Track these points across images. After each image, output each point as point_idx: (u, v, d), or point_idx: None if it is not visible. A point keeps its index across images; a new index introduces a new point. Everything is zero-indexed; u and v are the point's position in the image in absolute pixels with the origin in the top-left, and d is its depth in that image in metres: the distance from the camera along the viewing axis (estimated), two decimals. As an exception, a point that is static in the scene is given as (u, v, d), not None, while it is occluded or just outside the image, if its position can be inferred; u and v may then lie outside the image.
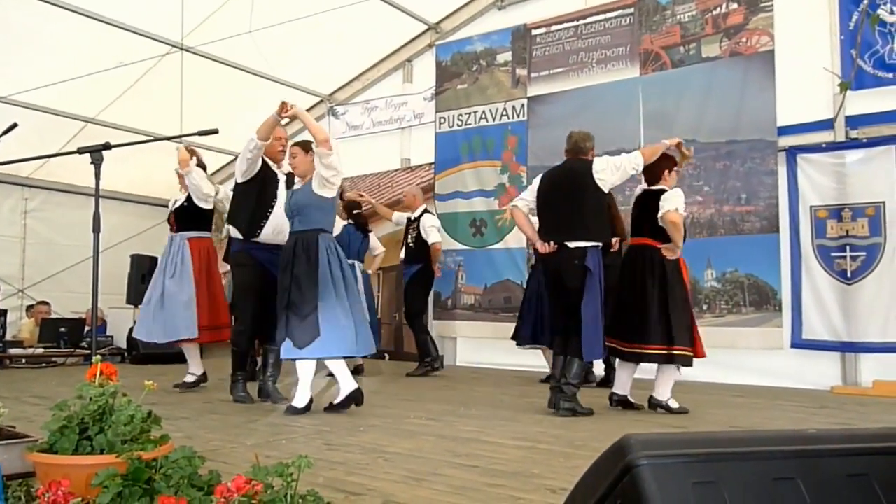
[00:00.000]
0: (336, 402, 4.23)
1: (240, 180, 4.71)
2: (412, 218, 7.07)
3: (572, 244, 4.30)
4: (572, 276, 4.28)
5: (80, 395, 2.13)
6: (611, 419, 4.22)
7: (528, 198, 4.60)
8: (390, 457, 2.94)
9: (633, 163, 4.50)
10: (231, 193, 5.00)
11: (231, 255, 4.92)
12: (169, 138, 4.20)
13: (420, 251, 6.88)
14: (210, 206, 5.47)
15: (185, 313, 5.14)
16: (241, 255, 4.72)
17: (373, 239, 7.21)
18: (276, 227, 4.64)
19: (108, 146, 2.58)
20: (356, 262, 6.65)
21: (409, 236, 6.97)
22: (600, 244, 4.38)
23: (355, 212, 7.02)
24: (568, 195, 4.40)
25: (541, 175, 4.74)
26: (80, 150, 2.57)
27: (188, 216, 5.43)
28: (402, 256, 7.07)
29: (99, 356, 2.20)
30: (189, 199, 5.39)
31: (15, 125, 3.15)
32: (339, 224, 6.15)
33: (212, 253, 5.51)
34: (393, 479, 2.52)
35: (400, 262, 7.29)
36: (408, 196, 7.31)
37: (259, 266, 4.64)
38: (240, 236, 4.69)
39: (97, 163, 2.54)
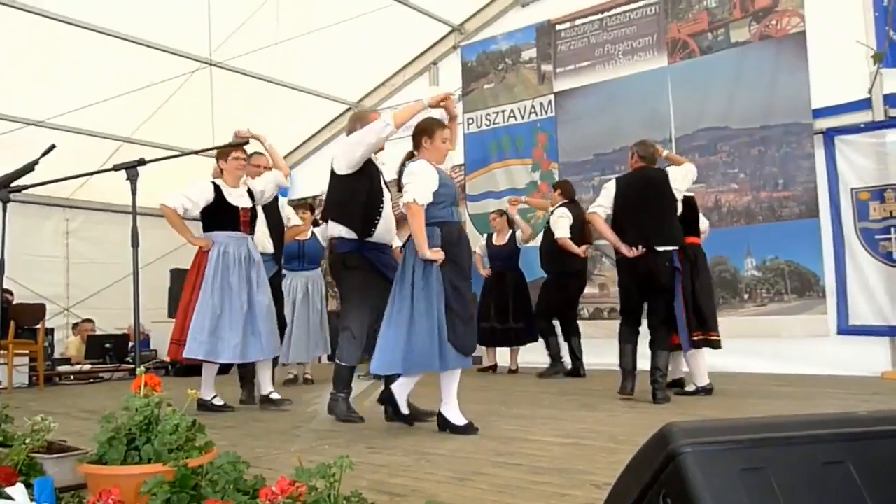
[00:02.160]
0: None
1: (344, 172, 4.08)
2: None
3: (661, 248, 4.70)
4: (665, 276, 4.70)
5: (127, 406, 2.17)
6: (652, 413, 4.17)
7: (605, 204, 4.89)
8: (433, 458, 2.94)
9: (693, 173, 5.09)
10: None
11: (338, 257, 4.15)
12: (198, 151, 4.21)
13: None
14: None
15: (274, 327, 4.74)
16: (352, 258, 4.07)
17: None
18: (387, 225, 4.19)
19: (142, 162, 2.63)
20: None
21: None
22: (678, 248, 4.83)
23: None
24: (652, 203, 4.78)
25: (614, 182, 4.97)
26: (116, 168, 2.63)
27: (254, 219, 4.91)
28: None
29: (143, 368, 2.24)
30: (252, 199, 4.86)
31: (53, 147, 3.22)
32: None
33: None
34: (437, 480, 2.52)
35: None
36: None
37: (372, 269, 4.09)
38: (352, 236, 4.07)
39: (133, 178, 2.59)
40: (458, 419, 3.60)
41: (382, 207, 4.13)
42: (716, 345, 4.93)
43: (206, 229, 4.75)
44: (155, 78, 7.73)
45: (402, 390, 3.72)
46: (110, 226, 9.47)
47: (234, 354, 4.51)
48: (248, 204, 4.79)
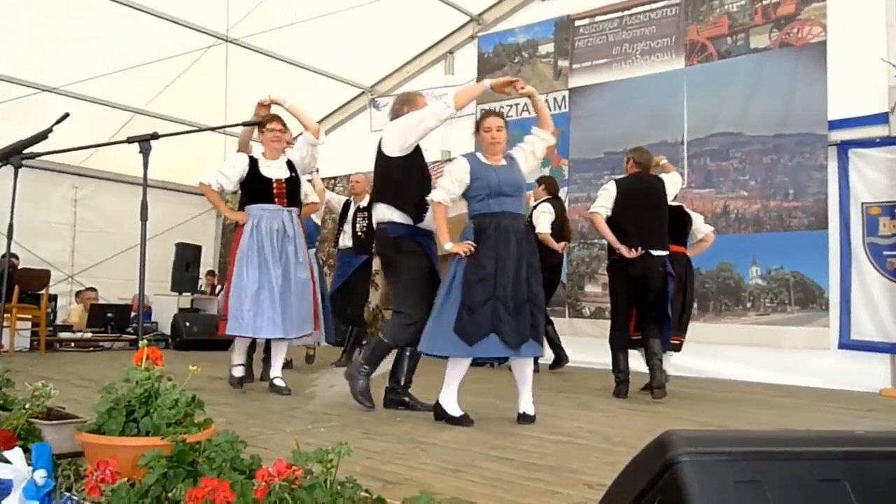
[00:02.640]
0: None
1: (395, 154, 3.95)
2: (361, 206, 6.63)
3: (656, 252, 4.86)
4: (658, 280, 4.87)
5: (127, 378, 2.18)
6: (648, 415, 4.17)
7: (608, 205, 4.99)
8: (427, 447, 2.95)
9: (679, 184, 5.44)
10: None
11: (391, 242, 4.01)
12: (213, 129, 4.20)
13: (369, 241, 6.36)
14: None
15: (311, 303, 4.64)
16: (407, 242, 3.96)
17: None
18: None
19: (155, 136, 2.63)
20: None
21: (358, 225, 6.60)
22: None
23: None
24: (651, 208, 4.97)
25: (613, 183, 5.09)
26: (130, 140, 2.63)
27: (295, 189, 4.73)
28: (348, 244, 6.65)
29: (145, 341, 2.25)
30: (293, 169, 4.69)
31: (67, 115, 3.23)
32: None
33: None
34: (430, 470, 2.53)
35: (336, 249, 6.98)
36: (361, 182, 6.79)
37: (424, 254, 4.00)
38: (405, 220, 3.96)
39: (145, 152, 2.60)
40: (454, 410, 3.61)
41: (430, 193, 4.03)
42: (678, 348, 5.31)
43: (244, 204, 4.70)
44: (171, 51, 7.73)
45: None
46: (118, 196, 9.50)
47: (274, 330, 4.46)
48: (285, 175, 4.63)
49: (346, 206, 6.82)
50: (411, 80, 9.57)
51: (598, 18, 7.91)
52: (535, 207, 6.59)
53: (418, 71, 9.51)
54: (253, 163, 4.63)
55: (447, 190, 3.67)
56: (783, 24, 6.71)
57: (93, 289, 9.13)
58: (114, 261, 9.49)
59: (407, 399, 4.06)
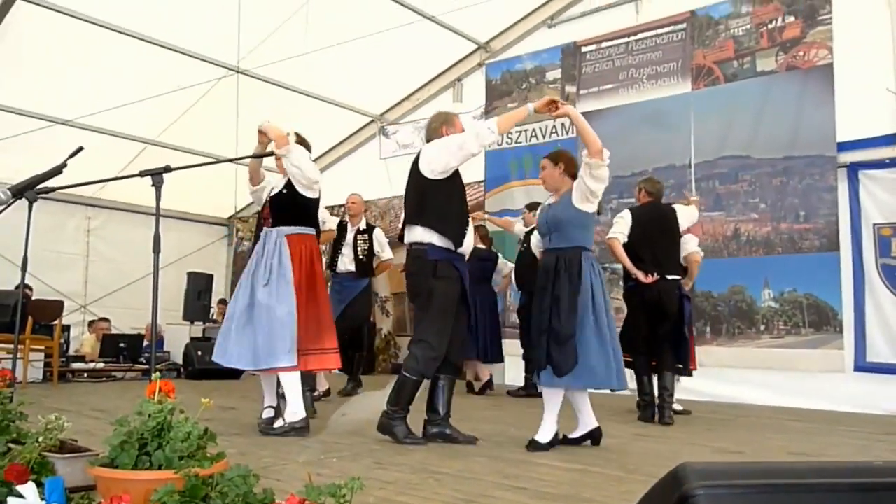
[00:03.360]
0: (572, 436, 3.92)
1: (435, 176, 3.83)
2: (361, 229, 6.53)
3: (671, 277, 5.03)
4: (673, 303, 5.04)
5: (140, 411, 2.19)
6: (663, 442, 4.13)
7: (625, 231, 5.10)
8: (440, 477, 2.93)
9: (695, 217, 5.59)
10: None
11: (429, 264, 3.84)
12: (222, 161, 4.22)
13: (370, 265, 6.51)
14: (316, 196, 4.33)
15: (282, 332, 3.96)
16: (446, 267, 3.82)
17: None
18: (470, 237, 4.03)
19: (168, 169, 2.67)
20: None
21: (359, 248, 6.43)
22: None
23: None
24: (665, 234, 5.13)
25: (629, 211, 5.22)
26: (142, 173, 2.66)
27: (288, 206, 4.24)
28: (349, 268, 6.37)
29: (158, 373, 2.25)
30: (289, 185, 4.23)
31: (81, 149, 3.28)
32: None
33: (316, 255, 4.27)
34: (443, 500, 2.51)
35: (332, 273, 6.52)
36: (357, 203, 6.66)
37: (459, 281, 3.88)
38: (444, 244, 3.83)
39: (158, 185, 2.63)
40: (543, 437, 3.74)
41: (468, 218, 4.00)
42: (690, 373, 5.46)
43: None
44: (183, 83, 7.84)
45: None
46: (131, 226, 9.59)
47: (238, 360, 4.07)
48: (273, 192, 4.32)
49: (342, 227, 6.52)
50: (420, 107, 9.67)
51: (604, 44, 7.98)
52: (528, 232, 6.49)
53: (427, 99, 9.60)
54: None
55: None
56: (789, 48, 6.74)
57: (105, 319, 9.17)
58: (126, 290, 9.56)
59: (448, 431, 3.87)
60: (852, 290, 6.20)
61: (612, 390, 3.83)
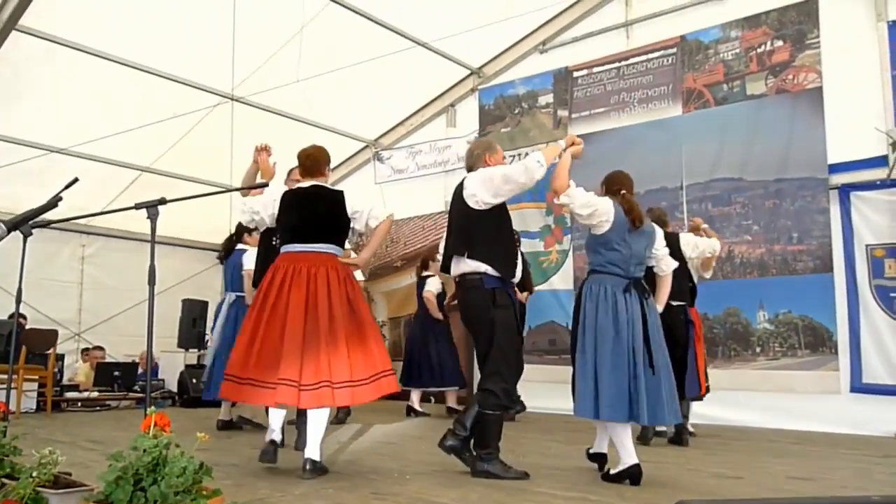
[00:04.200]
0: (614, 471, 3.68)
1: (482, 207, 3.78)
2: None
3: (675, 303, 4.94)
4: (680, 328, 5.12)
5: (135, 446, 2.17)
6: (661, 467, 4.11)
7: None
8: (437, 507, 2.91)
9: (707, 248, 5.67)
10: None
11: (488, 294, 3.76)
12: (217, 192, 4.20)
13: None
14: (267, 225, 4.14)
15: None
16: (502, 295, 3.78)
17: None
18: (520, 265, 3.97)
19: (163, 201, 2.67)
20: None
21: None
22: None
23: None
24: None
25: None
26: (138, 206, 2.67)
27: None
28: None
29: (153, 408, 2.24)
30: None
31: (76, 180, 3.29)
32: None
33: (278, 276, 3.83)
34: (440, 532, 2.49)
35: None
36: None
37: (513, 308, 3.85)
38: (496, 273, 3.78)
39: (153, 217, 2.63)
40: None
41: (517, 247, 3.93)
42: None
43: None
44: (177, 110, 7.87)
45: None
46: (126, 253, 9.56)
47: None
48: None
49: None
50: (414, 132, 9.73)
51: (595, 69, 8.06)
52: None
53: (421, 124, 9.66)
54: None
55: None
56: (778, 71, 6.82)
57: (100, 347, 9.12)
58: (121, 318, 9.50)
59: (467, 455, 3.75)
60: (847, 311, 6.22)
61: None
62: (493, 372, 3.69)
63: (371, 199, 3.94)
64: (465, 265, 3.80)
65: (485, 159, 3.91)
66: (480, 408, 3.68)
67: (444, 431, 3.78)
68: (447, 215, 4.11)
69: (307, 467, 3.53)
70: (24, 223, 2.62)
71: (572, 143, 3.88)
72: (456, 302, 4.16)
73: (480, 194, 3.77)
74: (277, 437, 3.84)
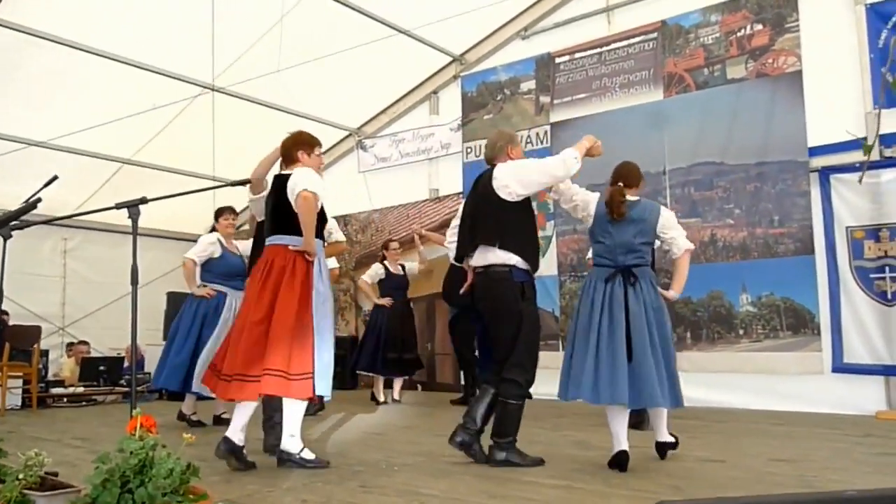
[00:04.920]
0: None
1: (513, 199, 3.84)
2: None
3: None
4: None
5: (122, 448, 2.18)
6: (647, 453, 4.16)
7: None
8: (425, 499, 2.94)
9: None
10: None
11: (517, 287, 3.81)
12: (200, 190, 4.14)
13: None
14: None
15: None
16: (529, 288, 3.87)
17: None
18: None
19: (144, 200, 2.66)
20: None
21: None
22: None
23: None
24: None
25: None
26: (119, 206, 2.65)
27: (274, 215, 3.92)
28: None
29: (139, 409, 2.25)
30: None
31: (55, 178, 3.27)
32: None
33: (277, 266, 3.71)
34: (428, 524, 2.52)
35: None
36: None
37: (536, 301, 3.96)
38: (525, 266, 3.84)
39: (134, 217, 2.62)
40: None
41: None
42: None
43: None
44: (158, 101, 7.79)
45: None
46: (108, 246, 9.50)
47: None
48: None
49: None
50: (397, 120, 9.69)
51: (577, 55, 8.05)
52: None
53: (404, 112, 9.62)
54: None
55: None
56: (758, 55, 6.85)
57: (84, 342, 9.06)
58: (105, 311, 9.45)
59: (477, 448, 3.79)
60: (828, 292, 6.29)
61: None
62: (518, 363, 3.75)
63: (304, 175, 3.75)
64: (493, 256, 3.82)
65: (507, 152, 3.95)
66: (503, 397, 3.74)
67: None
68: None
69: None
70: (4, 226, 2.60)
71: (594, 144, 3.98)
72: (464, 291, 4.13)
73: (513, 186, 3.82)
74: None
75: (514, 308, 3.77)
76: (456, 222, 4.36)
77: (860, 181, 6.13)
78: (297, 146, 3.96)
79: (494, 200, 3.84)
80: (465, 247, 4.01)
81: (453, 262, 5.16)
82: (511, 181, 3.83)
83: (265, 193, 4.09)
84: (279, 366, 3.51)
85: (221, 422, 5.40)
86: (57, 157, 8.18)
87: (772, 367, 6.47)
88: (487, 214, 3.87)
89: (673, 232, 3.86)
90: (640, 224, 3.80)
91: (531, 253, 3.86)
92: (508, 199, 3.82)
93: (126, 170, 9.02)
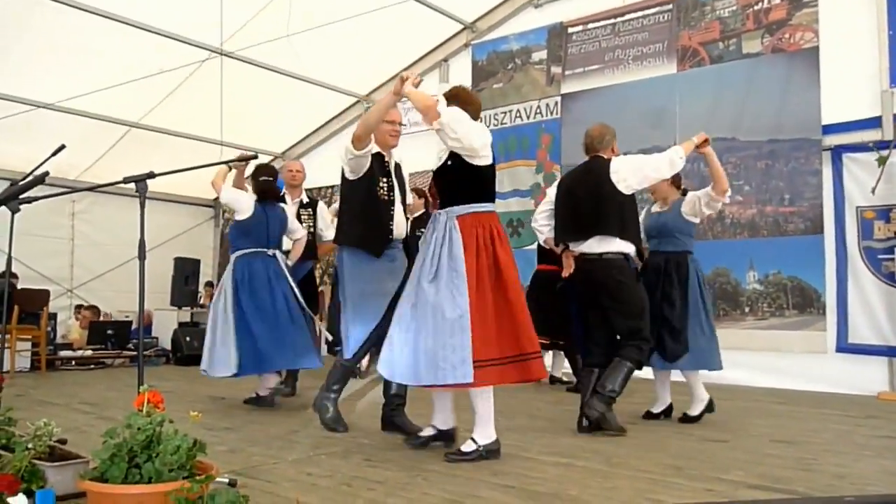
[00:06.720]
0: (692, 413, 4.49)
1: (637, 188, 4.15)
2: (304, 202, 5.64)
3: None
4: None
5: (129, 424, 2.20)
6: (649, 432, 4.19)
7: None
8: (429, 475, 2.97)
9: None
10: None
11: (632, 272, 4.16)
12: (206, 166, 4.03)
13: (314, 245, 5.59)
14: (487, 162, 3.43)
15: (451, 340, 3.17)
16: (635, 272, 4.27)
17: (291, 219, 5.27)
18: None
19: (151, 175, 2.65)
20: (276, 252, 5.03)
21: (304, 225, 5.43)
22: None
23: (262, 178, 5.09)
24: None
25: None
26: (126, 180, 2.64)
27: (455, 180, 3.50)
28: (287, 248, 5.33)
29: (146, 385, 2.27)
30: (454, 154, 3.43)
31: (62, 147, 3.26)
32: (249, 201, 4.96)
33: (498, 237, 3.39)
34: (431, 502, 2.55)
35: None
36: (302, 171, 5.75)
37: None
38: (635, 254, 4.23)
39: (142, 192, 2.61)
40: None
41: None
42: None
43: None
44: (166, 65, 7.74)
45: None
46: (116, 209, 9.52)
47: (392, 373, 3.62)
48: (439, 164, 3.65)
49: (280, 201, 5.36)
50: (406, 88, 9.57)
51: (590, 25, 7.93)
52: (416, 219, 5.79)
53: (413, 79, 9.51)
54: None
55: None
56: (775, 30, 6.73)
57: (93, 307, 9.13)
58: (113, 273, 9.51)
59: (608, 415, 4.03)
60: (835, 272, 6.28)
61: (710, 370, 4.49)
62: (639, 332, 4.10)
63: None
64: (612, 244, 4.08)
65: (613, 147, 4.22)
66: (623, 358, 4.05)
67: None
68: (563, 192, 4.25)
69: None
70: (12, 199, 2.60)
71: (704, 141, 4.27)
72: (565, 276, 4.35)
73: (630, 180, 4.06)
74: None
75: (634, 291, 4.12)
76: (545, 207, 4.47)
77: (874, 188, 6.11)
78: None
79: (614, 193, 4.05)
80: (575, 234, 4.20)
81: (542, 244, 5.25)
82: (629, 175, 4.05)
83: (370, 148, 3.96)
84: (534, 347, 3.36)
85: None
86: (64, 119, 8.15)
87: (776, 345, 6.48)
88: (608, 205, 4.07)
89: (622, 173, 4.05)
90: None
91: (640, 243, 4.27)
92: (626, 192, 4.07)
93: (134, 133, 9.00)
